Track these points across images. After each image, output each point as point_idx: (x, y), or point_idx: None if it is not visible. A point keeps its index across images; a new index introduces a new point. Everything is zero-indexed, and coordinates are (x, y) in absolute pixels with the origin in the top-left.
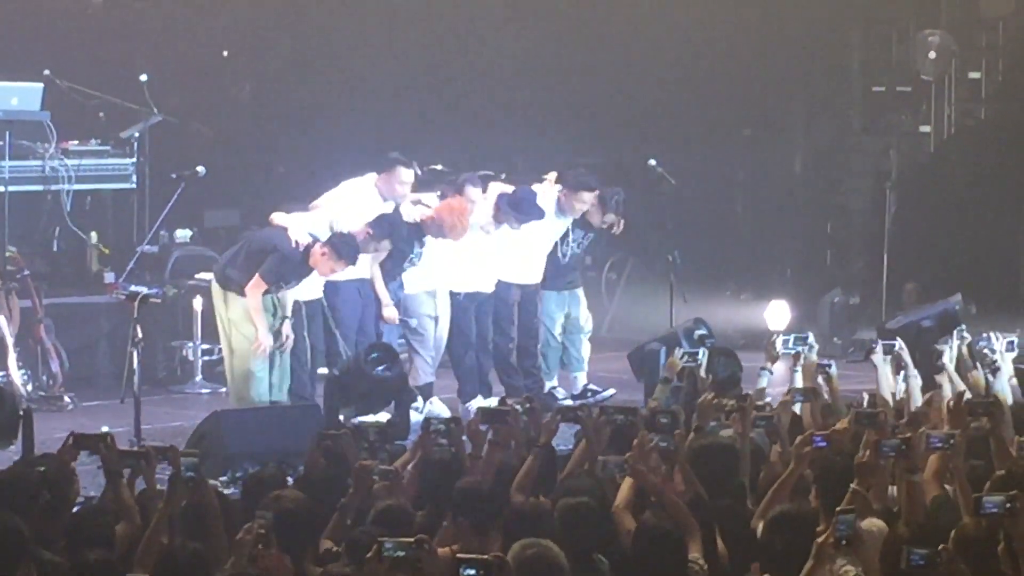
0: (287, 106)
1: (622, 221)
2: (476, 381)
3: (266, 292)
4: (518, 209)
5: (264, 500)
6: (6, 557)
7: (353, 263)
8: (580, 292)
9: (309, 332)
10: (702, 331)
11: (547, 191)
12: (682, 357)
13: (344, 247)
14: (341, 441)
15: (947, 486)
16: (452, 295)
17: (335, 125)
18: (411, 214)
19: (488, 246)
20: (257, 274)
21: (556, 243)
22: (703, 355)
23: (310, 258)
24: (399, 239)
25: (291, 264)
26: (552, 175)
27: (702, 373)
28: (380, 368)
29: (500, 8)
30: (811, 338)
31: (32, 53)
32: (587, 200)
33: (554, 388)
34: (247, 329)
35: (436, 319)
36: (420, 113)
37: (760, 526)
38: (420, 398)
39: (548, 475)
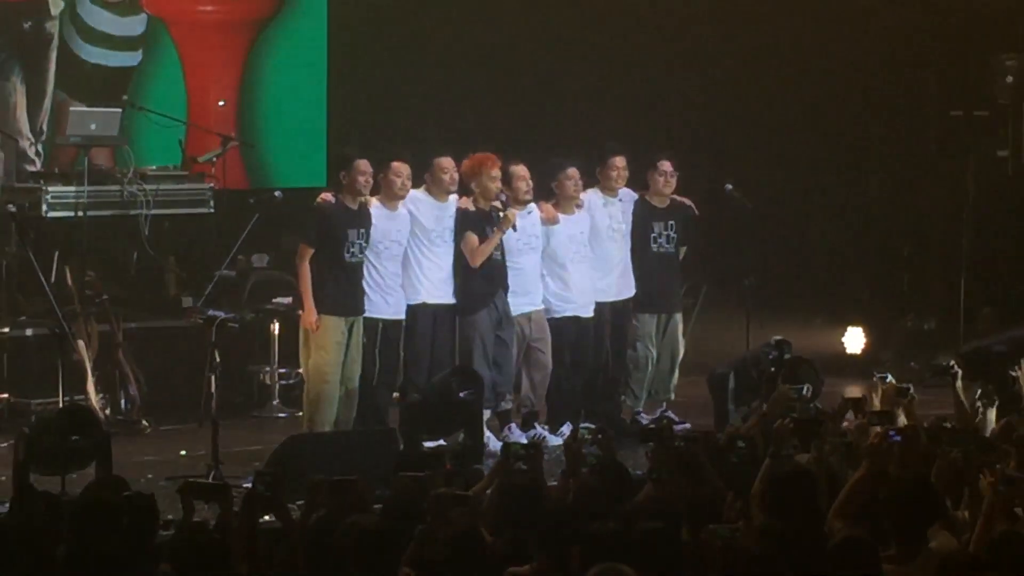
0: (360, 126)
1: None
2: (569, 409)
3: (324, 263)
4: None
5: (342, 525)
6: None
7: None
8: (679, 317)
9: (381, 354)
10: (776, 353)
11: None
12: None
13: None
14: (423, 478)
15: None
16: (551, 319)
17: (409, 143)
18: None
19: (586, 268)
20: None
21: (642, 248)
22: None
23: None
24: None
25: (329, 215)
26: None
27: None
28: (465, 392)
29: (589, 53)
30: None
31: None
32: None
33: (639, 414)
34: (317, 354)
35: (524, 345)
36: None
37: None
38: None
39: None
